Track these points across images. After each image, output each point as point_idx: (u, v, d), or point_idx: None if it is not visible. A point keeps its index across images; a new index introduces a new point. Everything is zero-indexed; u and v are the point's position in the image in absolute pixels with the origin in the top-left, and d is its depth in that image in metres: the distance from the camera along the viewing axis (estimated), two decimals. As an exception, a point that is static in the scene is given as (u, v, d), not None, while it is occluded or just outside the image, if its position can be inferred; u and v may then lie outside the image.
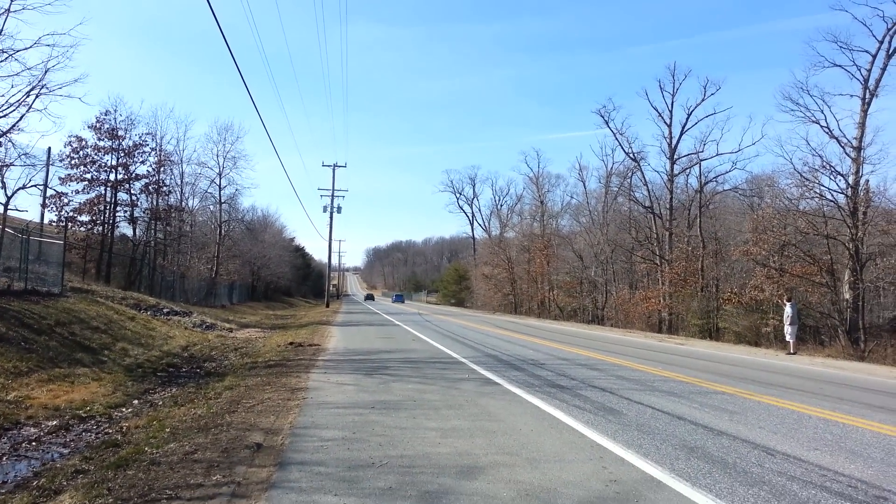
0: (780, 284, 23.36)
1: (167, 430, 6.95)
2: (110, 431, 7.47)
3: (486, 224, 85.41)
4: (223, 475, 5.02)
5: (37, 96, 14.77)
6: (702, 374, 12.34)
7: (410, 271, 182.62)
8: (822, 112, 23.11)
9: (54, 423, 7.82)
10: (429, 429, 6.80)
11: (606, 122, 41.55)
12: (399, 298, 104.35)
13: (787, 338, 19.04)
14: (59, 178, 28.82)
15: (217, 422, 7.18)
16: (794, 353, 18.33)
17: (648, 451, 5.96)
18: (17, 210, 18.15)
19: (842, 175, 22.31)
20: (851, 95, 23.04)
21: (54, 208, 28.26)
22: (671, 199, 37.73)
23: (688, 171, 38.79)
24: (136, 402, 9.64)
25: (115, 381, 10.99)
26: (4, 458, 6.30)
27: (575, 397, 9.00)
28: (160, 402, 9.52)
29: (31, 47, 15.05)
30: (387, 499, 4.45)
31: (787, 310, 19.00)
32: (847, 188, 22.22)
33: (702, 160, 36.62)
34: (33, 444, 6.92)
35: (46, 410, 8.32)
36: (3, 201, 16.90)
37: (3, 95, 19.65)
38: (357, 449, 5.86)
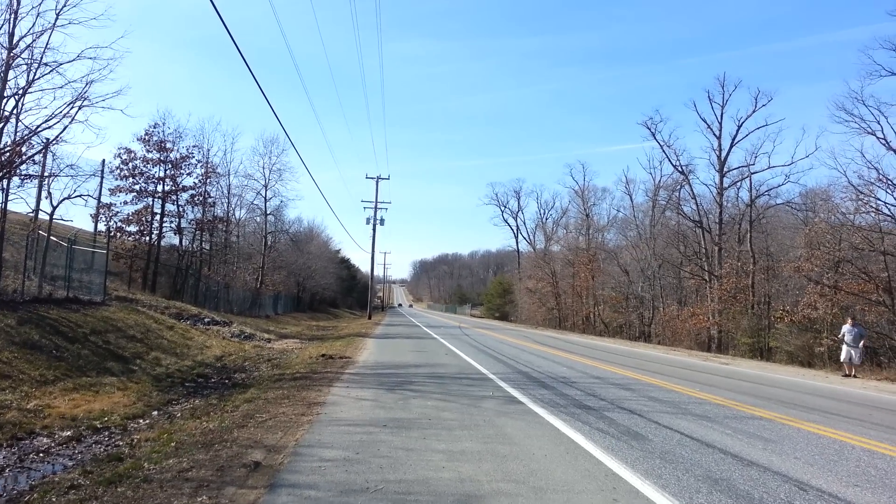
0: (835, 302, 22.26)
1: (173, 444, 6.84)
2: (120, 444, 7.40)
3: (531, 237, 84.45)
4: (209, 496, 4.83)
5: (79, 108, 15.07)
6: (741, 397, 11.68)
7: (456, 284, 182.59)
8: (878, 123, 22.05)
9: (68, 433, 7.82)
10: (437, 451, 6.50)
11: (653, 135, 40.85)
12: (410, 306, 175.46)
13: (843, 358, 17.95)
14: (109, 190, 29.72)
15: (224, 437, 7.04)
16: (850, 376, 17.32)
17: (668, 482, 5.53)
18: (61, 220, 18.57)
19: (899, 188, 21.18)
20: (910, 105, 21.91)
21: (103, 218, 29.13)
22: (721, 213, 36.60)
23: (738, 184, 37.61)
24: (155, 413, 9.61)
25: (140, 392, 11.03)
26: (7, 471, 6.26)
27: (600, 419, 8.57)
28: (178, 414, 9.48)
29: (73, 60, 15.38)
30: (370, 529, 4.18)
31: (849, 330, 17.86)
32: (905, 202, 21.07)
33: (753, 173, 35.52)
34: (41, 455, 6.89)
35: (63, 420, 8.35)
36: (49, 211, 17.31)
37: (46, 107, 20.47)
38: (355, 471, 5.61)
